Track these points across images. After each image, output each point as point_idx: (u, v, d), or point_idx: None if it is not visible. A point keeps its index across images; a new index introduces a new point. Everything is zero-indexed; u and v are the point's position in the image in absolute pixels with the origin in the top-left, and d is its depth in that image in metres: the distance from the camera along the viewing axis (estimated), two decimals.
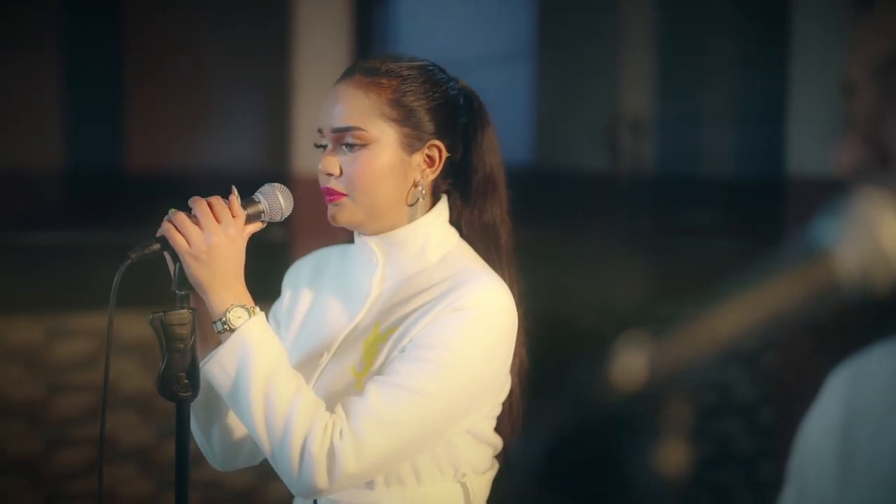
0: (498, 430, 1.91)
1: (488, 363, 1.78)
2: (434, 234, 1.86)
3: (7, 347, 4.74)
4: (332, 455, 1.69)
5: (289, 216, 1.87)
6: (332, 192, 1.83)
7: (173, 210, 1.78)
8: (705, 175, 6.69)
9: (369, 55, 1.94)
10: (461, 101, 1.89)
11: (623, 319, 5.22)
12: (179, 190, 1.82)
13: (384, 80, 1.83)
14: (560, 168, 7.09)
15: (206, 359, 1.77)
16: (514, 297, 1.85)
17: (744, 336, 0.78)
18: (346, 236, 1.98)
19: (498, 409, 1.89)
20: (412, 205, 1.85)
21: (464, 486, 1.86)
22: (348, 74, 1.86)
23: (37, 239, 5.97)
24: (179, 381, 1.78)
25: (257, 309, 1.77)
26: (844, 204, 0.81)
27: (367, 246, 1.88)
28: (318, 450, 1.69)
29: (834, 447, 1.01)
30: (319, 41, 5.13)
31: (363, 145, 1.81)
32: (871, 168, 0.87)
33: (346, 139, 1.81)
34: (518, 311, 1.86)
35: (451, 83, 1.89)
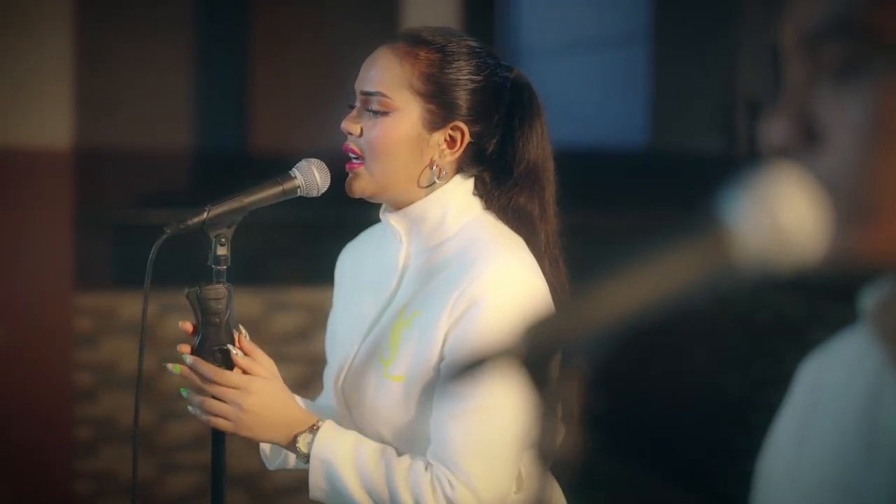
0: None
1: None
2: (453, 204, 1.81)
3: (121, 322, 4.89)
4: None
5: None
6: (350, 151, 1.81)
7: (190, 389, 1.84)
8: None
9: (421, 25, 1.90)
10: (507, 89, 1.84)
11: (735, 306, 5.13)
12: None
13: (422, 53, 1.79)
14: (676, 150, 6.97)
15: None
16: (562, 295, 1.79)
17: (632, 312, 0.76)
18: None
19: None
20: (426, 187, 1.81)
21: None
22: (391, 40, 1.84)
23: (162, 217, 6.11)
24: (214, 356, 1.81)
25: (319, 421, 1.78)
26: (751, 179, 0.79)
27: (389, 224, 1.86)
28: None
29: (791, 431, 0.98)
30: (431, 18, 5.14)
31: (385, 113, 1.78)
32: (798, 145, 0.83)
33: (371, 104, 1.80)
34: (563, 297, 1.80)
35: (499, 70, 1.84)
